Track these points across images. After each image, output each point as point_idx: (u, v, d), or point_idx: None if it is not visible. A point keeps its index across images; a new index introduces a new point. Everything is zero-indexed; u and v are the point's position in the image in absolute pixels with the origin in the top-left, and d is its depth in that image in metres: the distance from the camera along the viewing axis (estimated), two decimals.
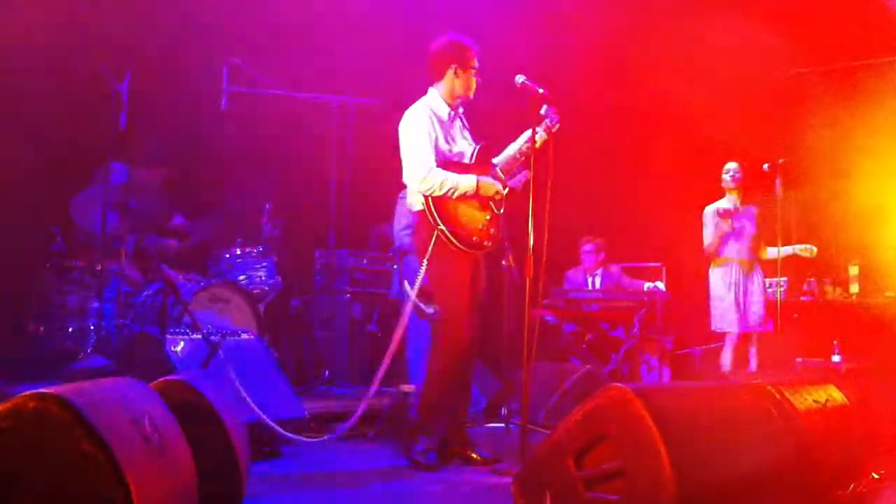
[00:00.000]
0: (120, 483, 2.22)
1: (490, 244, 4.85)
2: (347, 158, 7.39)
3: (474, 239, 4.74)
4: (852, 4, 7.82)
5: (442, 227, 4.63)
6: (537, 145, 4.86)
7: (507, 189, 4.93)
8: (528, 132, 4.96)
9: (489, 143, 5.03)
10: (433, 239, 4.66)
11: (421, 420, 4.83)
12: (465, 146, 4.93)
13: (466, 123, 5.03)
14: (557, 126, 4.94)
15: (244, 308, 6.43)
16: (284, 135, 7.86)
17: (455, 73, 4.88)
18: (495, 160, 5.06)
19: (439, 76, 4.93)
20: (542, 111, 4.96)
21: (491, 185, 4.81)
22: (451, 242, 4.65)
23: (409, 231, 5.68)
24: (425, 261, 4.68)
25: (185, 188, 7.05)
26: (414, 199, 4.81)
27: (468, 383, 4.98)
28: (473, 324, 4.80)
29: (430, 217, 4.65)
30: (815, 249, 6.86)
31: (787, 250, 6.86)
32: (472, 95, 4.96)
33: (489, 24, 7.47)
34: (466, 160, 4.88)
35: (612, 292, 8.13)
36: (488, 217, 4.81)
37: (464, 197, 4.72)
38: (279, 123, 7.64)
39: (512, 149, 5.09)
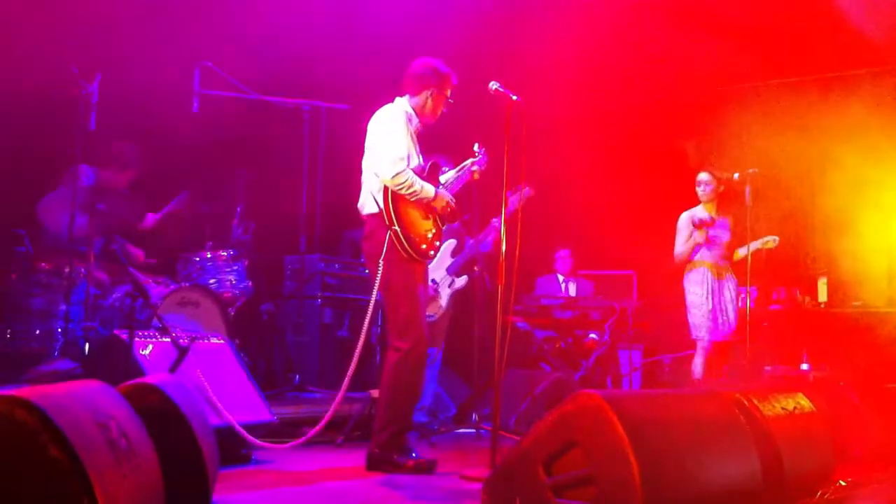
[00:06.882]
0: (85, 488, 2.19)
1: (433, 255, 4.97)
2: (319, 163, 7.36)
3: (423, 247, 4.81)
4: (821, 18, 7.90)
5: (396, 227, 4.66)
6: (475, 177, 5.34)
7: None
8: (464, 164, 5.33)
9: (437, 160, 5.16)
10: (386, 240, 4.69)
11: (387, 434, 4.72)
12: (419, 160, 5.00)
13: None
14: (484, 166, 5.34)
15: (214, 312, 6.38)
16: (256, 138, 7.82)
17: (430, 95, 4.98)
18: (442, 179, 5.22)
19: (414, 93, 5.01)
20: (475, 148, 5.35)
21: (443, 198, 4.93)
22: (403, 245, 4.68)
23: None
24: (381, 262, 4.70)
25: (154, 190, 6.99)
26: (367, 201, 4.85)
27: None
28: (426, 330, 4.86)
29: (385, 216, 4.68)
30: (776, 239, 6.86)
31: (754, 246, 6.83)
32: (433, 121, 5.07)
33: (464, 31, 7.48)
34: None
35: (583, 299, 8.17)
36: (434, 230, 4.93)
37: (416, 204, 4.80)
38: (250, 127, 7.60)
39: (450, 175, 5.29)
